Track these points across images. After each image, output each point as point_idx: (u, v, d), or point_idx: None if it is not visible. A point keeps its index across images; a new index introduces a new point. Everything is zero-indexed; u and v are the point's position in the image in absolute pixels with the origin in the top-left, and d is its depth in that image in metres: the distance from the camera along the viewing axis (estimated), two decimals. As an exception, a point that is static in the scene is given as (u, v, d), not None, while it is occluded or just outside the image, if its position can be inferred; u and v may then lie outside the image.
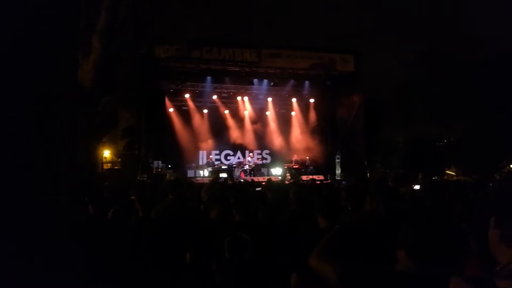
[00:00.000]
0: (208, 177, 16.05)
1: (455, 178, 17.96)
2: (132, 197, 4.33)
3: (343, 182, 13.75)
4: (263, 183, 10.27)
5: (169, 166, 16.22)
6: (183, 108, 18.43)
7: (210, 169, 16.94)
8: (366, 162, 16.43)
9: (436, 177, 15.54)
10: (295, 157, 17.69)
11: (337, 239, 1.84)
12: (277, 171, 18.03)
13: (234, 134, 19.07)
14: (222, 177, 13.38)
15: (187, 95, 17.70)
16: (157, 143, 15.92)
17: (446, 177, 19.01)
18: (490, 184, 6.52)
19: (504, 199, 2.00)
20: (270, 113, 19.55)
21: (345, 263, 1.63)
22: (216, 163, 18.11)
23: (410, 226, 1.63)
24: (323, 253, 1.73)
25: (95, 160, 10.42)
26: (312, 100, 18.82)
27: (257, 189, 7.54)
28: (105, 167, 15.29)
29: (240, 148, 19.34)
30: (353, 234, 1.92)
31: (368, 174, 16.00)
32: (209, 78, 16.09)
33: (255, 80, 16.38)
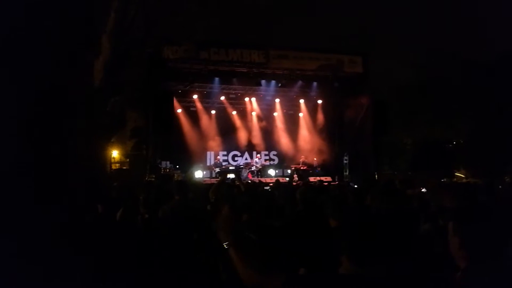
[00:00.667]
0: (215, 177, 16.10)
1: (464, 180, 17.80)
2: (141, 198, 4.37)
3: (351, 184, 13.70)
4: (271, 184, 10.29)
5: (177, 166, 16.29)
6: (191, 109, 18.51)
7: (217, 169, 16.99)
8: (374, 164, 16.35)
9: (445, 180, 15.43)
10: (302, 158, 17.66)
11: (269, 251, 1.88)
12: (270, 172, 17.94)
13: (242, 135, 19.11)
14: (229, 178, 13.41)
15: (195, 96, 17.77)
16: (165, 144, 15.99)
17: (455, 179, 18.85)
18: (500, 187, 6.45)
19: (462, 208, 2.00)
20: (277, 114, 19.55)
21: (287, 274, 1.64)
22: (223, 164, 18.15)
23: (350, 232, 1.65)
24: (261, 267, 1.75)
25: (104, 160, 10.49)
26: (320, 101, 18.77)
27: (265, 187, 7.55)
28: (113, 167, 15.41)
29: (247, 149, 19.36)
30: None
31: (376, 176, 15.92)
32: (217, 79, 16.15)
33: (263, 81, 16.39)
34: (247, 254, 1.83)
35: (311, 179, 15.41)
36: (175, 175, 14.91)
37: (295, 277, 1.61)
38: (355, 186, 13.00)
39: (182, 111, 18.18)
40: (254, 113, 19.25)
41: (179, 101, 17.67)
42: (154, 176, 13.80)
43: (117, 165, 16.56)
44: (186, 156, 17.55)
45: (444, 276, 1.81)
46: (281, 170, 18.63)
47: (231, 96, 18.43)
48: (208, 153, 18.83)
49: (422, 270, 2.04)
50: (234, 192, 4.68)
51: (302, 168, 17.20)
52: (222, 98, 18.22)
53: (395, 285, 1.58)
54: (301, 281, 1.60)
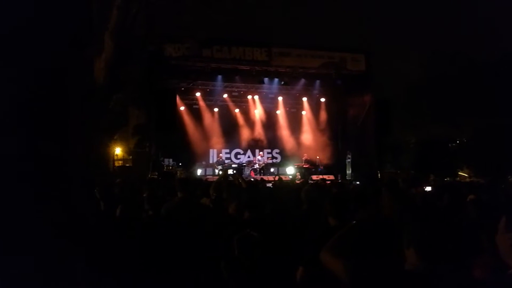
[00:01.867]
0: (217, 175, 16.10)
1: (467, 179, 17.73)
2: (144, 195, 4.37)
3: (353, 182, 13.66)
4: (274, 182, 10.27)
5: (180, 164, 16.30)
6: (194, 106, 18.50)
7: (219, 167, 16.99)
8: (376, 163, 16.32)
9: (448, 179, 15.37)
10: (305, 157, 17.63)
11: (350, 236, 1.82)
12: (288, 171, 17.96)
13: (245, 133, 19.10)
14: (230, 174, 13.40)
15: (198, 94, 17.78)
16: (168, 141, 16.00)
17: (458, 178, 18.78)
18: (503, 186, 6.41)
19: None
20: (280, 112, 19.52)
21: (356, 260, 1.61)
22: (226, 161, 18.15)
23: (421, 227, 1.59)
24: (335, 248, 1.71)
25: (107, 157, 10.51)
26: (323, 100, 18.75)
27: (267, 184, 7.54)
28: (116, 164, 15.40)
29: (250, 147, 19.35)
30: (366, 232, 1.89)
31: (378, 175, 15.88)
32: (219, 77, 16.13)
33: (266, 79, 16.37)
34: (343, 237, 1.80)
35: (314, 177, 15.37)
36: (178, 172, 14.92)
37: (363, 265, 1.58)
38: (357, 182, 12.99)
39: (184, 108, 18.18)
40: (256, 111, 19.22)
41: (182, 99, 17.66)
42: (156, 173, 13.81)
43: (120, 162, 16.54)
44: (189, 154, 17.56)
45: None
46: (283, 168, 18.57)
47: (233, 94, 18.42)
48: (211, 150, 18.83)
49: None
50: (237, 190, 4.67)
51: (304, 166, 17.18)
52: (225, 96, 18.20)
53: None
54: (368, 270, 1.57)
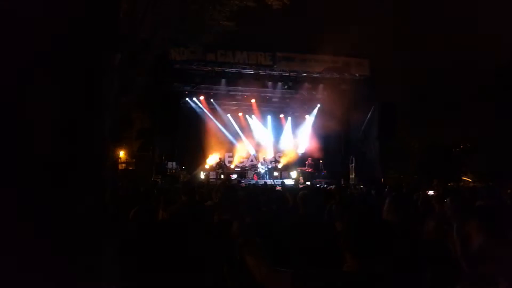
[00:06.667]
0: (220, 179, 16.14)
1: (471, 184, 17.67)
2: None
3: (357, 187, 13.64)
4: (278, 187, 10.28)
5: (183, 167, 16.34)
6: (198, 110, 18.56)
7: (220, 171, 17.01)
8: (380, 167, 16.30)
9: (451, 183, 15.32)
10: (308, 161, 17.63)
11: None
12: (291, 175, 17.96)
13: (248, 136, 19.13)
14: (234, 179, 13.43)
15: (201, 97, 17.83)
16: (171, 144, 16.07)
17: (462, 183, 18.71)
18: (509, 191, 6.39)
19: (467, 210, 2.00)
20: (283, 116, 19.55)
21: (295, 270, 1.65)
22: (228, 165, 18.17)
23: (350, 227, 1.64)
24: (269, 263, 1.75)
25: (112, 160, 10.56)
26: (326, 104, 18.75)
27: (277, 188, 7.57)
28: (120, 167, 15.47)
29: (253, 150, 19.38)
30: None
31: (382, 179, 15.85)
32: (223, 80, 16.20)
33: (269, 83, 16.41)
34: (260, 252, 1.84)
35: (317, 181, 15.38)
36: (181, 176, 14.96)
37: (302, 273, 1.62)
38: (361, 187, 12.96)
39: (188, 112, 18.23)
40: (260, 115, 19.27)
41: (186, 102, 17.74)
42: (160, 177, 13.86)
43: (124, 165, 16.62)
44: (192, 157, 17.60)
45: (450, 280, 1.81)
46: (286, 172, 18.58)
47: (237, 97, 18.47)
48: (214, 154, 18.87)
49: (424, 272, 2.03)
50: (235, 195, 4.70)
51: (308, 170, 17.17)
52: (229, 99, 18.25)
53: (397, 282, 1.58)
54: (308, 277, 1.61)
